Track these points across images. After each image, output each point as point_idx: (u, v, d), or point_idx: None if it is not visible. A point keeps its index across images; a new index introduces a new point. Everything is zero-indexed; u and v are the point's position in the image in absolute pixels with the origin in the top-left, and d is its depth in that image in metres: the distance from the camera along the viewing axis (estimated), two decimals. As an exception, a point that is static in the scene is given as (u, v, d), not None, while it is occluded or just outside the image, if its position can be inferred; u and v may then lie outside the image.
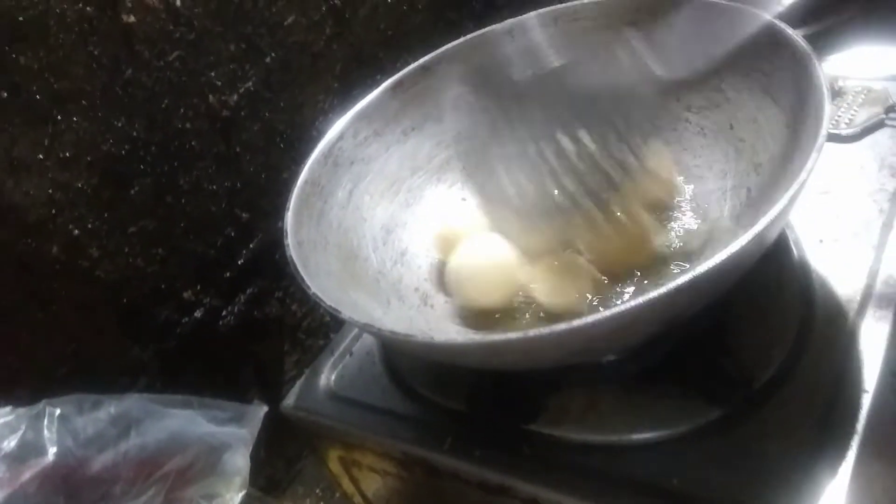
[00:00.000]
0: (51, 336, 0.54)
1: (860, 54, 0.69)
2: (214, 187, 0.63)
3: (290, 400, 0.59)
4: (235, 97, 0.63)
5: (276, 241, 0.68)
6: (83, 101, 0.53)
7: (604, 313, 0.38)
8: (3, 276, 0.51)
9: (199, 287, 0.62)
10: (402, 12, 0.77)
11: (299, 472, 0.74)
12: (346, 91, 0.72)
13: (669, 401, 0.48)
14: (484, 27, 0.66)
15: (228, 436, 0.53)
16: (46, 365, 0.54)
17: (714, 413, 0.47)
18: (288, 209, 0.53)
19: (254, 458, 0.52)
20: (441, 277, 0.58)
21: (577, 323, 0.38)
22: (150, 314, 0.60)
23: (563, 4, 0.63)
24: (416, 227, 0.62)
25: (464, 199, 0.63)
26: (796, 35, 0.50)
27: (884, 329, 0.49)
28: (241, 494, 0.52)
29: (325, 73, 0.71)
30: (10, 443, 0.44)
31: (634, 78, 0.59)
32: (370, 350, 0.60)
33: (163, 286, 0.60)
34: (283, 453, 0.72)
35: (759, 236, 0.40)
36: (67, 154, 0.53)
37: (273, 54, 0.65)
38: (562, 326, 0.38)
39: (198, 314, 0.63)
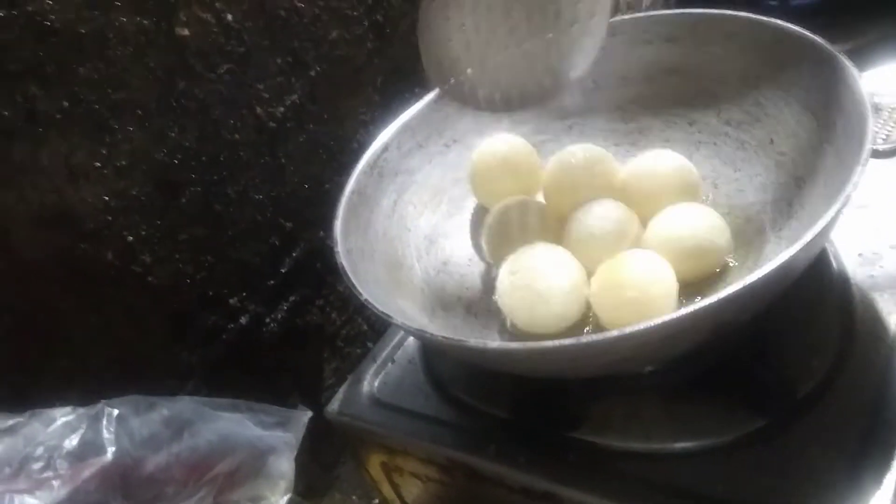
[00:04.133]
0: (103, 340, 0.55)
1: (894, 72, 0.70)
2: (260, 196, 0.64)
3: (334, 405, 0.60)
4: (282, 109, 0.65)
5: (317, 251, 0.69)
6: (139, 112, 0.55)
7: (654, 321, 0.39)
8: (60, 281, 0.53)
9: (244, 294, 0.64)
10: (440, 27, 0.79)
11: (336, 477, 0.75)
12: (386, 104, 0.74)
13: (712, 410, 0.49)
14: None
15: (274, 440, 0.54)
16: (98, 367, 0.55)
17: (757, 422, 0.47)
18: (337, 218, 0.54)
19: (296, 462, 0.53)
20: (485, 288, 0.59)
21: (629, 330, 0.39)
22: (198, 320, 0.61)
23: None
24: (458, 237, 0.63)
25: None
26: (838, 51, 0.51)
27: (925, 341, 0.49)
28: (285, 498, 0.53)
29: (366, 86, 0.72)
30: (72, 441, 0.46)
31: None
32: (412, 358, 0.61)
33: (210, 293, 0.61)
34: (321, 459, 0.73)
35: (806, 248, 0.41)
36: (123, 162, 0.54)
37: (318, 68, 0.67)
38: (614, 333, 0.39)
39: (243, 321, 0.64)
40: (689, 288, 0.54)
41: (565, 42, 0.57)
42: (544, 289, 0.52)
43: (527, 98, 0.60)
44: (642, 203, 0.58)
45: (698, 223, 0.55)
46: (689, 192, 0.58)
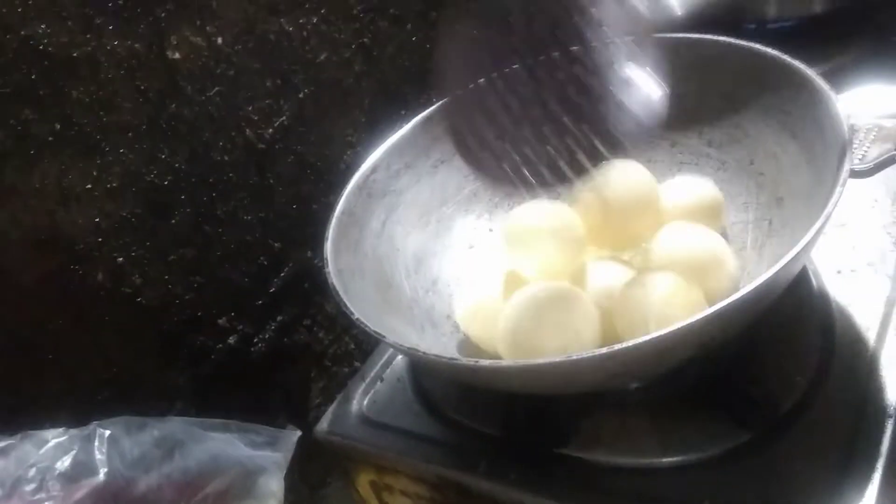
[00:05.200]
0: (94, 360, 0.56)
1: (870, 93, 0.72)
2: (249, 217, 0.65)
3: (323, 425, 0.60)
4: (270, 131, 0.65)
5: (305, 270, 0.70)
6: (130, 134, 0.56)
7: (643, 338, 0.40)
8: (51, 302, 0.53)
9: (233, 314, 0.64)
10: (426, 50, 0.80)
11: (324, 497, 0.75)
12: (374, 125, 0.75)
13: (698, 425, 0.50)
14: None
15: (264, 459, 0.54)
16: (89, 388, 0.56)
17: (742, 437, 0.48)
18: (327, 238, 0.55)
19: (285, 482, 0.54)
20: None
21: (618, 347, 0.40)
22: (187, 340, 0.61)
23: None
24: (447, 257, 0.63)
25: (490, 230, 0.66)
26: (815, 74, 0.52)
27: (903, 356, 0.51)
28: (274, 517, 0.53)
29: (354, 107, 0.73)
30: (64, 462, 0.46)
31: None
32: (401, 376, 0.62)
33: (199, 313, 0.62)
34: (308, 479, 0.73)
35: (788, 267, 0.42)
36: (114, 184, 0.55)
37: (306, 90, 0.68)
38: (603, 350, 0.40)
39: (231, 341, 0.64)
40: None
41: None
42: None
43: None
44: None
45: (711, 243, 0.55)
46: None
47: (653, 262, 0.55)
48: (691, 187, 0.60)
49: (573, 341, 0.49)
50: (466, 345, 0.58)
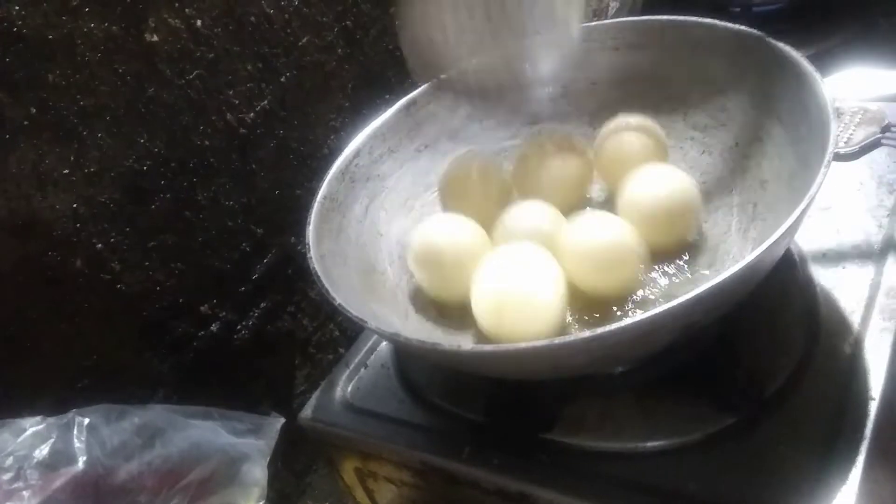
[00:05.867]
0: (73, 348, 0.55)
1: (856, 76, 0.72)
2: (231, 203, 0.64)
3: (307, 412, 0.60)
4: (252, 115, 0.64)
5: (288, 257, 0.69)
6: (107, 118, 0.55)
7: (627, 321, 0.40)
8: (29, 289, 0.52)
9: (215, 301, 0.63)
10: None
11: (309, 484, 0.74)
12: (356, 109, 0.74)
13: (683, 409, 0.50)
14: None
15: (247, 447, 0.54)
16: (68, 376, 0.55)
17: (726, 420, 0.48)
18: (309, 223, 0.54)
19: (269, 469, 0.53)
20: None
21: (601, 330, 0.40)
22: (169, 327, 0.60)
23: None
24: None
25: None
26: (801, 57, 0.52)
27: (887, 339, 0.50)
28: (258, 505, 0.53)
29: (336, 92, 0.72)
30: (42, 451, 0.45)
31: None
32: (385, 362, 0.61)
33: (181, 300, 0.61)
34: (292, 467, 0.73)
35: (771, 249, 0.42)
36: (92, 169, 0.54)
37: (288, 74, 0.67)
38: (586, 334, 0.40)
39: (214, 328, 0.64)
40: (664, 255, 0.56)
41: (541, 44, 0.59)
42: (522, 303, 0.51)
43: (505, 91, 0.61)
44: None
45: (670, 187, 0.56)
46: (658, 153, 0.60)
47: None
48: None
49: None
50: (450, 328, 0.57)
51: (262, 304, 0.68)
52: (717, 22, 0.59)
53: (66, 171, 0.53)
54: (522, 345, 0.41)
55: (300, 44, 0.68)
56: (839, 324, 0.52)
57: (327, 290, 0.49)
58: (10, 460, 0.45)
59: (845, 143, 0.64)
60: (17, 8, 0.49)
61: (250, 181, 0.65)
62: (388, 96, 0.76)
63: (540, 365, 0.45)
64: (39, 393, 0.53)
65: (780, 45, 0.53)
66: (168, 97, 0.58)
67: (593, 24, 0.65)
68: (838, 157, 0.63)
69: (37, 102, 0.51)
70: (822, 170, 0.44)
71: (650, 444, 0.49)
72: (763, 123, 0.56)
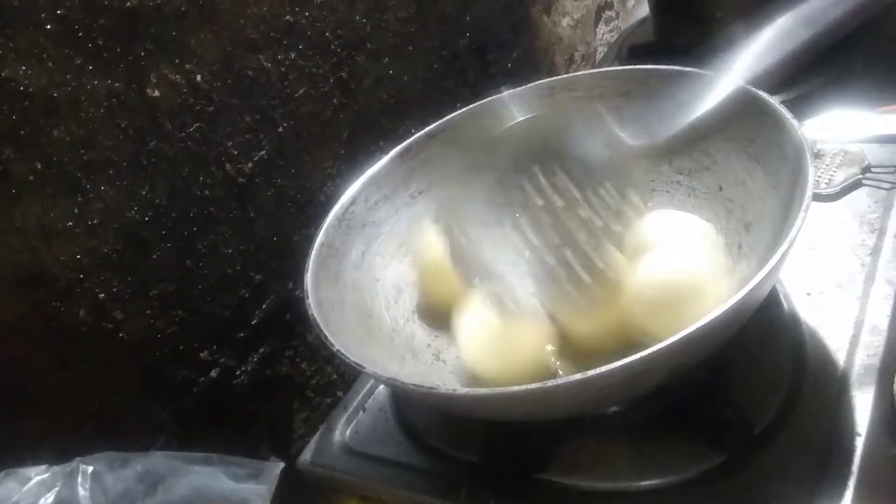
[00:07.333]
0: (76, 396, 0.56)
1: (836, 118, 0.74)
2: (230, 251, 0.65)
3: (306, 456, 0.61)
4: (250, 165, 0.66)
5: (286, 302, 0.70)
6: (110, 171, 0.56)
7: (617, 363, 0.41)
8: (34, 339, 0.53)
9: (214, 347, 0.65)
10: (403, 83, 0.81)
11: (308, 528, 0.75)
12: (352, 157, 0.76)
13: (674, 448, 0.51)
14: (478, 93, 0.70)
15: (247, 492, 0.54)
16: (72, 424, 0.56)
17: (717, 458, 0.49)
18: (307, 271, 0.56)
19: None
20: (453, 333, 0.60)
21: (590, 373, 0.41)
22: (169, 374, 0.62)
23: (559, 77, 0.68)
24: (425, 286, 0.64)
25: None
26: (777, 103, 0.54)
27: (872, 376, 0.52)
28: (258, 550, 0.53)
29: (332, 140, 0.74)
30: (48, 500, 0.46)
31: (624, 145, 0.63)
32: (383, 405, 0.62)
33: (181, 347, 0.62)
34: (291, 510, 0.73)
35: (756, 289, 0.43)
36: (95, 221, 0.56)
37: (285, 124, 0.69)
38: (577, 377, 0.41)
39: (213, 374, 0.65)
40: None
41: None
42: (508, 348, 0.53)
43: None
44: None
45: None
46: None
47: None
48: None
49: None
50: (446, 372, 0.59)
51: (261, 350, 0.69)
52: (698, 70, 0.61)
53: (70, 223, 0.54)
54: (516, 388, 0.42)
55: (296, 95, 0.70)
56: (825, 361, 0.53)
57: (325, 336, 0.50)
58: (16, 510, 0.46)
59: (826, 183, 0.66)
60: (23, 68, 0.51)
61: (249, 229, 0.67)
62: (382, 143, 0.78)
63: (533, 407, 0.46)
64: (43, 441, 0.54)
65: (758, 92, 0.55)
66: (169, 150, 0.60)
67: (581, 73, 0.67)
68: (820, 197, 0.65)
69: (42, 157, 0.52)
70: (801, 213, 0.46)
71: (643, 482, 0.50)
72: (745, 167, 0.58)
